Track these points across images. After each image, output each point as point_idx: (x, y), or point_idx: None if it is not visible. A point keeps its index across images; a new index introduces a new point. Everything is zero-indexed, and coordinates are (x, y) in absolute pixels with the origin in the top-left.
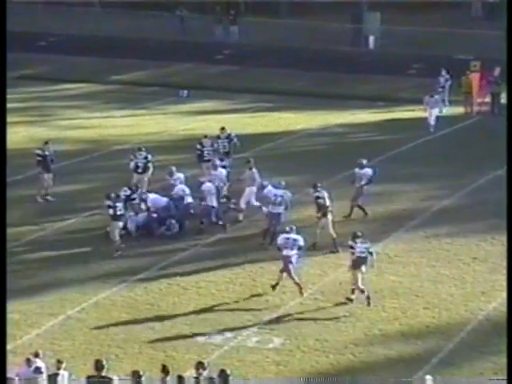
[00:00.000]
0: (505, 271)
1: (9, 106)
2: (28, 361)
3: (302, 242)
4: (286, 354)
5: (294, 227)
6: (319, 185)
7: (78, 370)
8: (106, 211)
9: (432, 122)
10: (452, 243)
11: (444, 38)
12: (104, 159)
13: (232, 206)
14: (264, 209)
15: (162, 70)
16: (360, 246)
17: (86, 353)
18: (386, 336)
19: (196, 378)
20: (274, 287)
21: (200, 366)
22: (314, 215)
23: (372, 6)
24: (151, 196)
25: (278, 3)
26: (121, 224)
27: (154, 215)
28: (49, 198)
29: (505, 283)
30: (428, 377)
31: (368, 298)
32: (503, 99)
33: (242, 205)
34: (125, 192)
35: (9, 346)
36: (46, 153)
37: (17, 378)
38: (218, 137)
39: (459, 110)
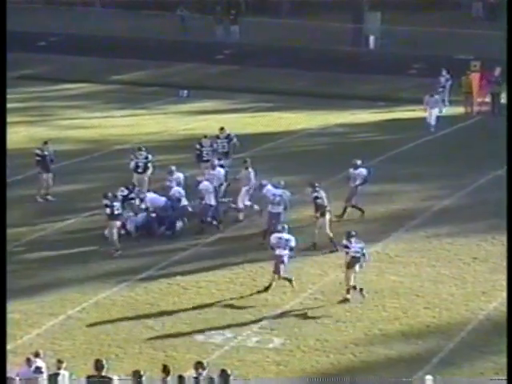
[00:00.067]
0: (505, 271)
1: (9, 106)
2: (28, 360)
3: (293, 243)
4: (287, 354)
5: (287, 226)
6: (317, 184)
7: (78, 370)
8: (102, 210)
9: (432, 121)
10: (452, 243)
11: (444, 37)
12: (104, 159)
13: (233, 205)
14: (256, 207)
15: (162, 70)
16: (355, 246)
17: (87, 352)
18: (387, 336)
19: (196, 377)
20: (267, 288)
21: (199, 365)
22: (313, 215)
23: (372, 6)
24: (149, 195)
25: (279, 3)
26: (118, 223)
27: (153, 215)
28: (49, 197)
29: (505, 283)
30: (428, 377)
31: (361, 290)
32: (503, 99)
33: (241, 204)
34: (122, 192)
35: (9, 346)
36: (45, 153)
37: (17, 378)
38: (218, 137)
39: (459, 109)
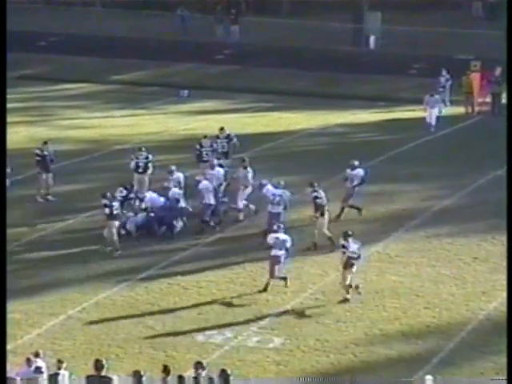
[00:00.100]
0: (505, 271)
1: (9, 106)
2: (28, 360)
3: (289, 244)
4: (287, 354)
5: (283, 226)
6: (316, 184)
7: (78, 370)
8: (102, 210)
9: (432, 121)
10: (453, 243)
11: (444, 37)
12: (104, 159)
13: (233, 205)
14: (252, 206)
15: (162, 70)
16: (352, 246)
17: (87, 352)
18: (387, 336)
19: (196, 377)
20: (264, 289)
21: (199, 365)
22: (313, 215)
23: (373, 6)
24: (148, 195)
25: (279, 3)
26: (117, 223)
27: (152, 215)
28: (49, 197)
29: (505, 283)
30: (428, 377)
31: (357, 287)
32: (504, 99)
33: (241, 204)
34: (120, 193)
35: (9, 346)
36: (45, 153)
37: (17, 378)
38: (217, 137)
39: (460, 109)
